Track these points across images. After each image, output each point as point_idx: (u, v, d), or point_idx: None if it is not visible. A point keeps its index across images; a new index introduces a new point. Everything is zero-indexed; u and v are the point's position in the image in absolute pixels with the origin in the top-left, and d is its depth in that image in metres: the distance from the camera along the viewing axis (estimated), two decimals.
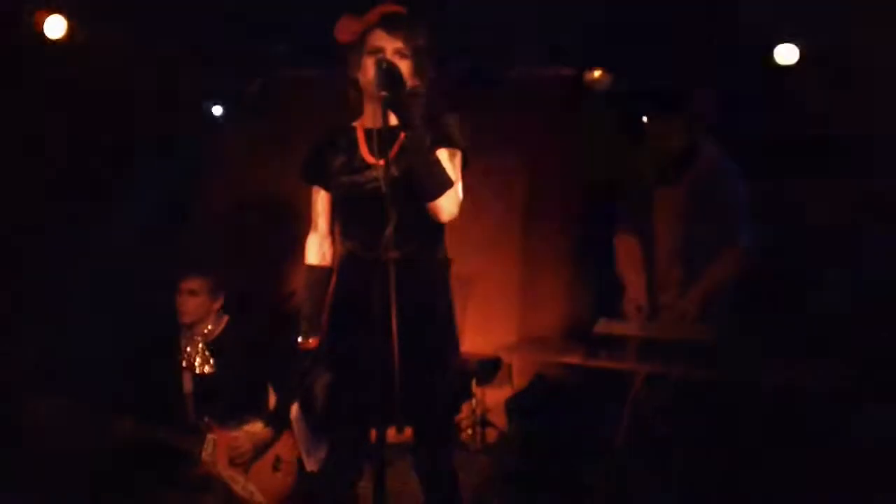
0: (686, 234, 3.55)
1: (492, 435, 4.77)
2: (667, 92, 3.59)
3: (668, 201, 3.60)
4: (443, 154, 2.48)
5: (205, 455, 3.42)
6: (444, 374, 2.49)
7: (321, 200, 2.63)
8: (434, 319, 2.49)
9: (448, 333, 2.55)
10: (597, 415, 3.63)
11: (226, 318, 3.67)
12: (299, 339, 2.62)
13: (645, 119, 3.61)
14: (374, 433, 2.20)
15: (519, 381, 4.60)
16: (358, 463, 2.59)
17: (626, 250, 3.75)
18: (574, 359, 3.46)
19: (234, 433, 3.48)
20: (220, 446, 3.44)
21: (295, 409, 2.72)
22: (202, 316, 3.62)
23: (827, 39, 3.78)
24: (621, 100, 4.41)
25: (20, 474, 3.34)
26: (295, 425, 2.74)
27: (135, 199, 4.20)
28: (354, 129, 2.57)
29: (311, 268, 2.66)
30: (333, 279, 2.61)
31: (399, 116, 2.34)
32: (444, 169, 2.41)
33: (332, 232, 2.67)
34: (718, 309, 3.48)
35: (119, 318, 3.86)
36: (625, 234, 3.76)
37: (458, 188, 2.48)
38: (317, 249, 2.67)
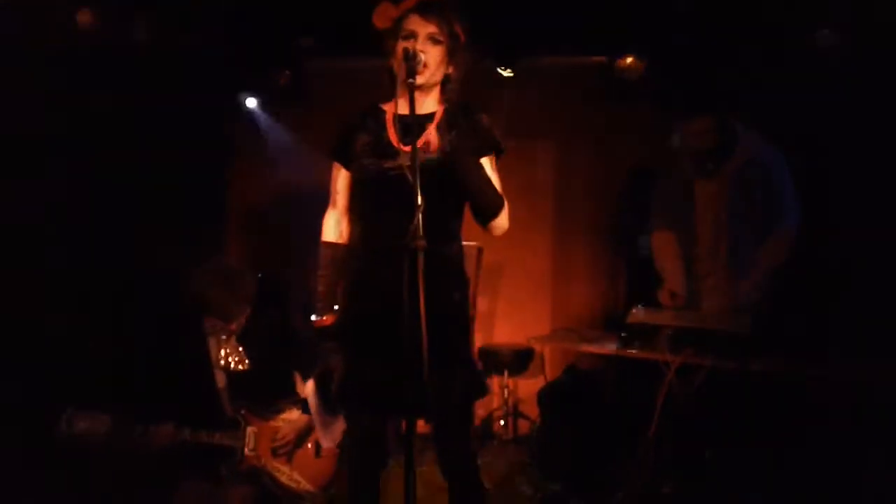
0: (730, 219, 3.59)
1: (524, 425, 4.76)
2: (694, 94, 3.59)
3: (709, 190, 3.63)
4: (486, 163, 2.50)
5: (248, 450, 3.43)
6: (459, 367, 2.48)
7: (342, 178, 2.61)
8: (449, 311, 2.47)
9: (463, 327, 2.54)
10: (629, 405, 3.60)
11: (248, 309, 3.65)
12: (313, 317, 2.61)
13: (677, 119, 3.60)
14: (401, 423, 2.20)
15: (551, 371, 4.57)
16: (377, 451, 2.59)
17: (663, 245, 3.77)
18: (607, 349, 3.44)
19: (274, 423, 3.50)
20: (261, 439, 3.46)
21: (310, 385, 2.71)
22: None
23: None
24: (654, 93, 4.38)
25: (65, 490, 3.35)
26: (310, 402, 2.74)
27: (163, 192, 4.22)
28: (384, 111, 2.56)
29: (328, 245, 2.64)
30: (349, 261, 2.61)
31: (452, 156, 2.37)
32: (495, 188, 2.44)
33: (349, 210, 2.65)
34: (770, 292, 3.54)
35: (144, 319, 3.85)
36: (660, 230, 3.79)
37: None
38: (334, 226, 2.64)
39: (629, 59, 4.54)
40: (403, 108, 2.37)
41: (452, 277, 2.52)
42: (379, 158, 2.45)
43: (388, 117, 2.52)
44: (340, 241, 2.64)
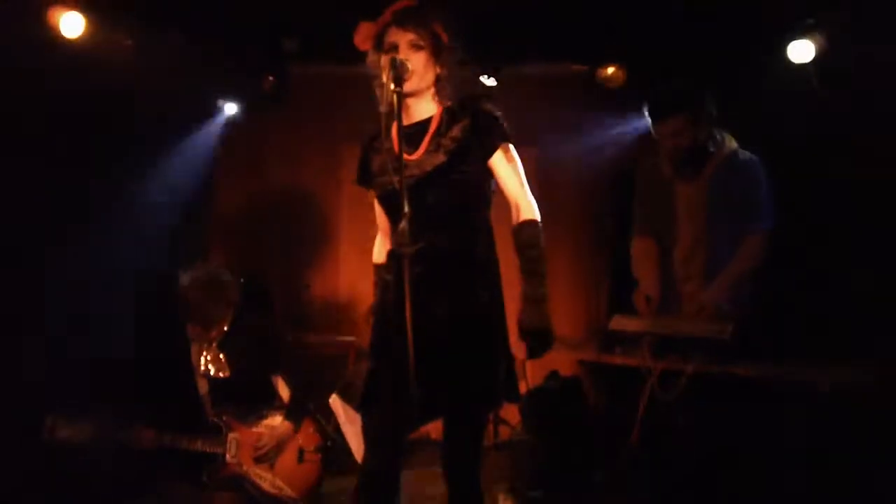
0: (707, 225, 3.57)
1: (505, 432, 4.77)
2: (665, 94, 3.61)
3: (688, 194, 3.62)
4: (500, 156, 2.49)
5: (229, 456, 3.42)
6: (478, 370, 2.41)
7: (376, 202, 2.64)
8: (465, 315, 2.42)
9: (486, 331, 2.46)
10: (611, 411, 3.61)
11: (230, 315, 3.62)
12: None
13: (649, 121, 3.61)
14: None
15: (533, 377, 4.59)
16: (396, 460, 2.52)
17: (642, 251, 3.78)
18: (589, 355, 3.45)
19: (255, 429, 3.49)
20: (242, 445, 3.45)
21: (335, 400, 2.69)
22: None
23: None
24: (633, 99, 4.41)
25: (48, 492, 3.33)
26: (337, 415, 2.71)
27: (146, 196, 4.19)
28: (390, 125, 2.55)
29: (376, 266, 2.68)
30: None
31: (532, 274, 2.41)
32: (540, 253, 2.46)
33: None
34: (742, 298, 3.48)
35: (126, 325, 3.82)
36: (641, 236, 3.79)
37: (527, 186, 2.52)
38: (379, 249, 2.69)
39: (611, 69, 4.58)
40: (404, 119, 2.39)
41: (478, 279, 2.46)
42: (392, 174, 2.42)
43: (393, 132, 2.49)
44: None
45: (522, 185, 2.51)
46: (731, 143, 3.60)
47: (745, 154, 3.59)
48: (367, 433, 2.55)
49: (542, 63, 4.86)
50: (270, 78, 4.68)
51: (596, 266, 4.18)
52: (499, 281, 2.52)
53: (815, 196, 3.89)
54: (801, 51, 3.98)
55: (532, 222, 2.48)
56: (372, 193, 2.63)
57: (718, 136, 3.59)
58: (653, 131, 3.58)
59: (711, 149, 3.57)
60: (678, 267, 3.64)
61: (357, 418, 2.69)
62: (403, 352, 2.06)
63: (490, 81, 4.71)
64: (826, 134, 3.85)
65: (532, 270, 2.43)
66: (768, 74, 4.10)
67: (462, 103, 2.52)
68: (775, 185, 3.64)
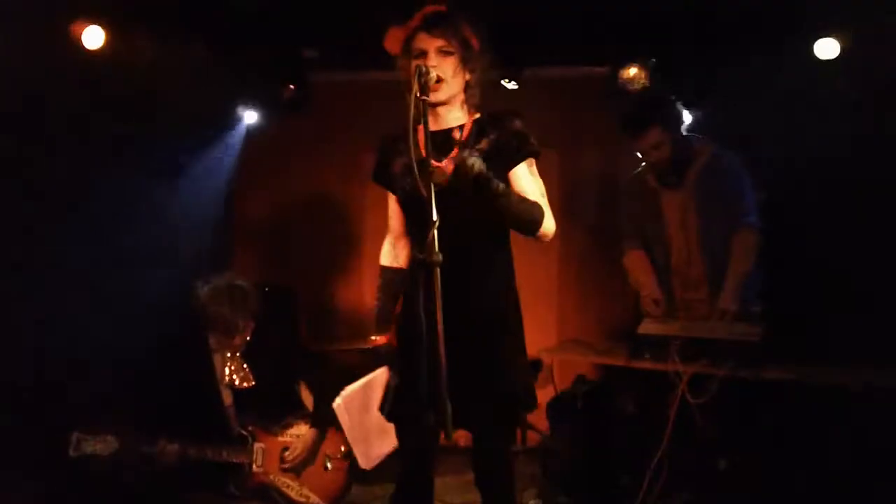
0: (699, 229, 3.61)
1: (533, 437, 4.73)
2: (637, 108, 3.67)
3: (676, 201, 3.66)
4: (524, 168, 2.48)
5: (255, 466, 3.42)
6: (501, 377, 2.45)
7: (392, 202, 2.64)
8: (489, 322, 2.46)
9: (507, 337, 2.51)
10: (639, 416, 3.58)
11: (252, 325, 3.63)
12: (372, 337, 2.67)
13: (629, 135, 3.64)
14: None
15: (560, 382, 4.55)
16: (427, 470, 2.56)
17: (636, 262, 3.82)
18: (617, 360, 3.43)
19: (281, 438, 3.49)
20: (268, 454, 3.45)
21: (342, 406, 2.70)
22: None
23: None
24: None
25: None
26: (346, 423, 2.71)
27: (168, 207, 4.20)
28: (417, 131, 2.54)
29: (383, 269, 2.68)
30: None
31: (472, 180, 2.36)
32: (529, 203, 2.42)
33: (405, 234, 2.67)
34: (745, 293, 3.51)
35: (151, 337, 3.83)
36: (632, 250, 3.84)
37: (545, 200, 2.49)
38: (389, 251, 2.68)
39: (632, 69, 4.54)
40: (432, 125, 2.38)
41: (499, 286, 2.52)
42: (417, 180, 2.43)
43: (420, 136, 2.50)
44: (395, 265, 2.66)
45: (543, 195, 2.50)
46: (710, 145, 3.64)
47: (725, 152, 3.63)
48: (401, 444, 2.58)
49: (563, 65, 4.84)
50: (291, 86, 4.68)
51: (622, 269, 4.15)
52: (515, 287, 2.57)
53: (839, 195, 3.85)
54: (827, 48, 3.93)
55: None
56: (390, 194, 2.63)
57: (696, 141, 3.65)
58: (633, 147, 3.60)
59: (692, 153, 3.61)
60: (676, 276, 3.66)
61: (363, 423, 2.73)
62: (434, 362, 2.05)
63: (511, 85, 4.68)
64: (852, 132, 3.80)
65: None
66: (793, 72, 4.05)
67: (493, 116, 2.52)
68: (800, 185, 3.63)
